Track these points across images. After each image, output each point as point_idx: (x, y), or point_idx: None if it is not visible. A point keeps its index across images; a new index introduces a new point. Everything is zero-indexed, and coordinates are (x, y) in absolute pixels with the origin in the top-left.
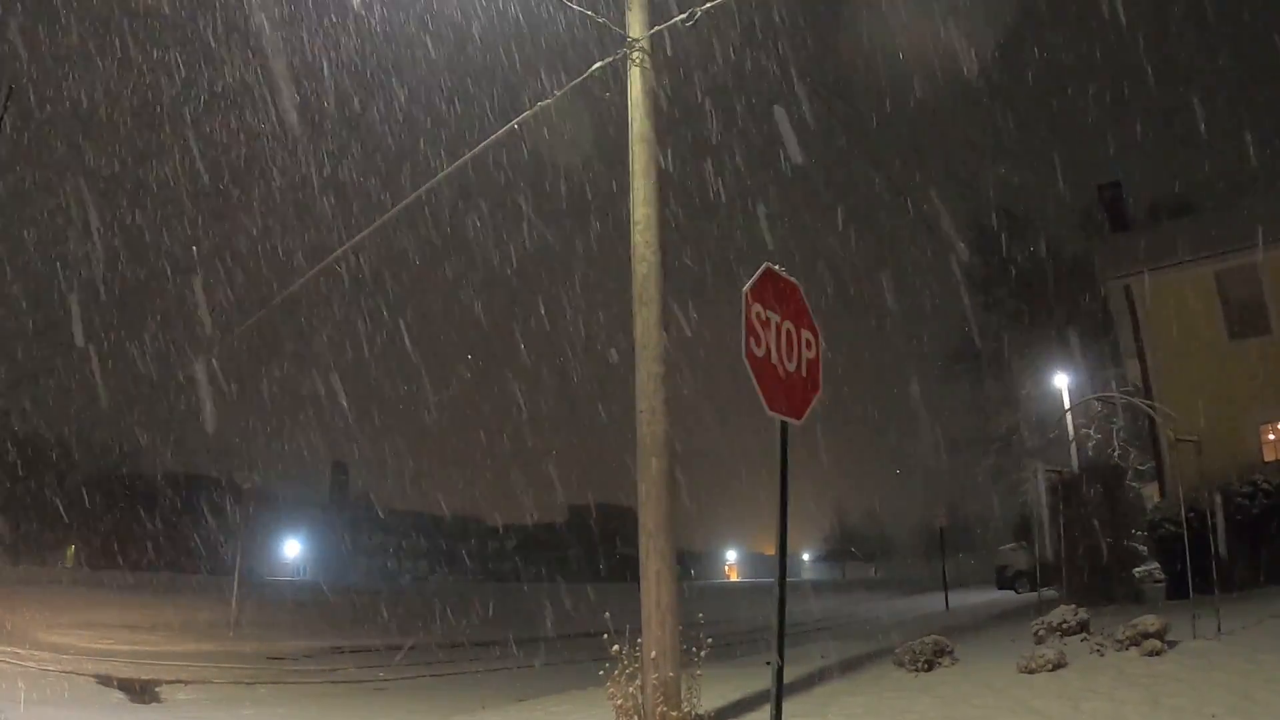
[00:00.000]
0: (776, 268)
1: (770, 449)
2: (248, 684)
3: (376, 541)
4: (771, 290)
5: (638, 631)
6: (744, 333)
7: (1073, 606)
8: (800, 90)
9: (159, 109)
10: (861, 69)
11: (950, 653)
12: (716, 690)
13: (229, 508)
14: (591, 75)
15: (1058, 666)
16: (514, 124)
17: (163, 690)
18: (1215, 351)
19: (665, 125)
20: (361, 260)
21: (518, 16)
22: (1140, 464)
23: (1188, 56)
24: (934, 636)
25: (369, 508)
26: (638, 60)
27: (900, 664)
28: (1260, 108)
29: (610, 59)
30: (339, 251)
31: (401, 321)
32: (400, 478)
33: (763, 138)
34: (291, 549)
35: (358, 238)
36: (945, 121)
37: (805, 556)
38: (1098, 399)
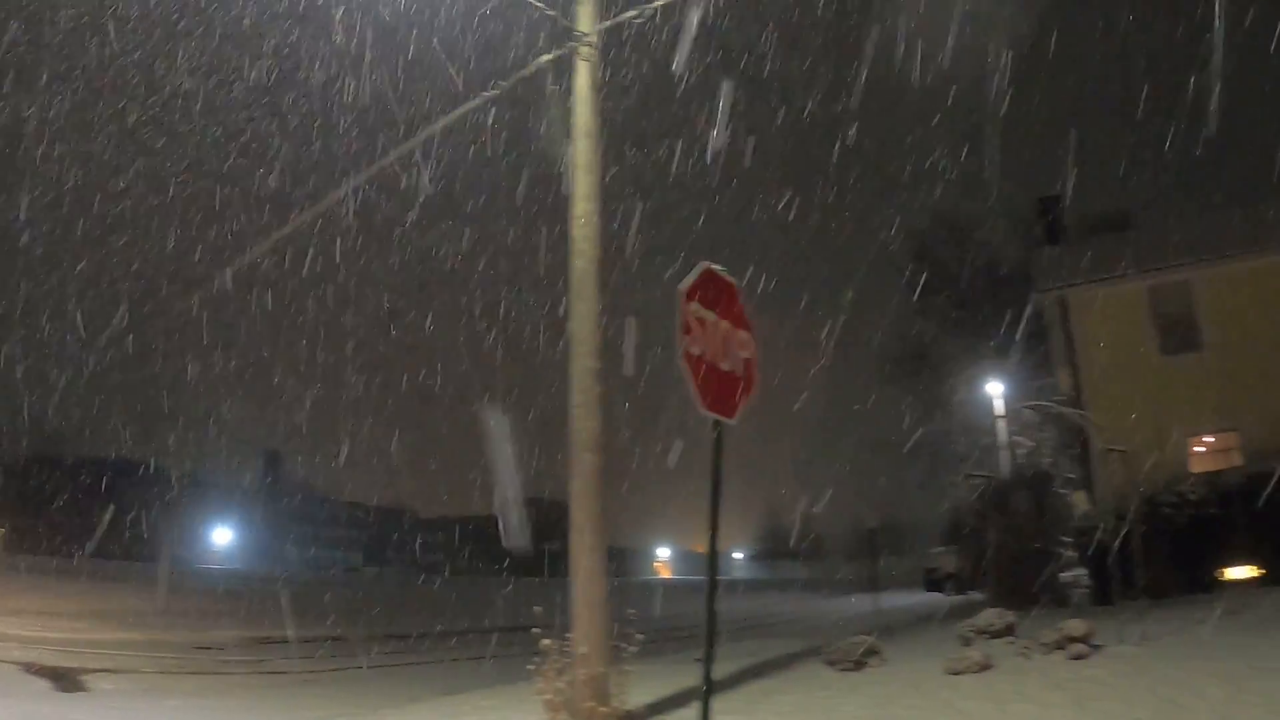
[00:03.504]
0: (715, 267)
1: (703, 447)
2: (175, 674)
3: (308, 531)
4: (709, 289)
5: (568, 626)
6: (679, 331)
7: (1000, 610)
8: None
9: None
10: (816, 69)
11: (879, 653)
12: (646, 686)
13: (158, 494)
14: (538, 68)
15: (984, 668)
16: (455, 116)
17: (88, 679)
18: (1146, 365)
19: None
20: (306, 248)
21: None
22: (1070, 472)
23: (1130, 75)
24: (863, 636)
25: (302, 496)
26: (585, 54)
27: (830, 663)
28: (1196, 130)
29: (557, 52)
30: (272, 241)
31: (338, 310)
32: (334, 467)
33: (705, 136)
34: (222, 537)
35: (286, 229)
36: (890, 127)
37: (736, 555)
38: (1030, 407)
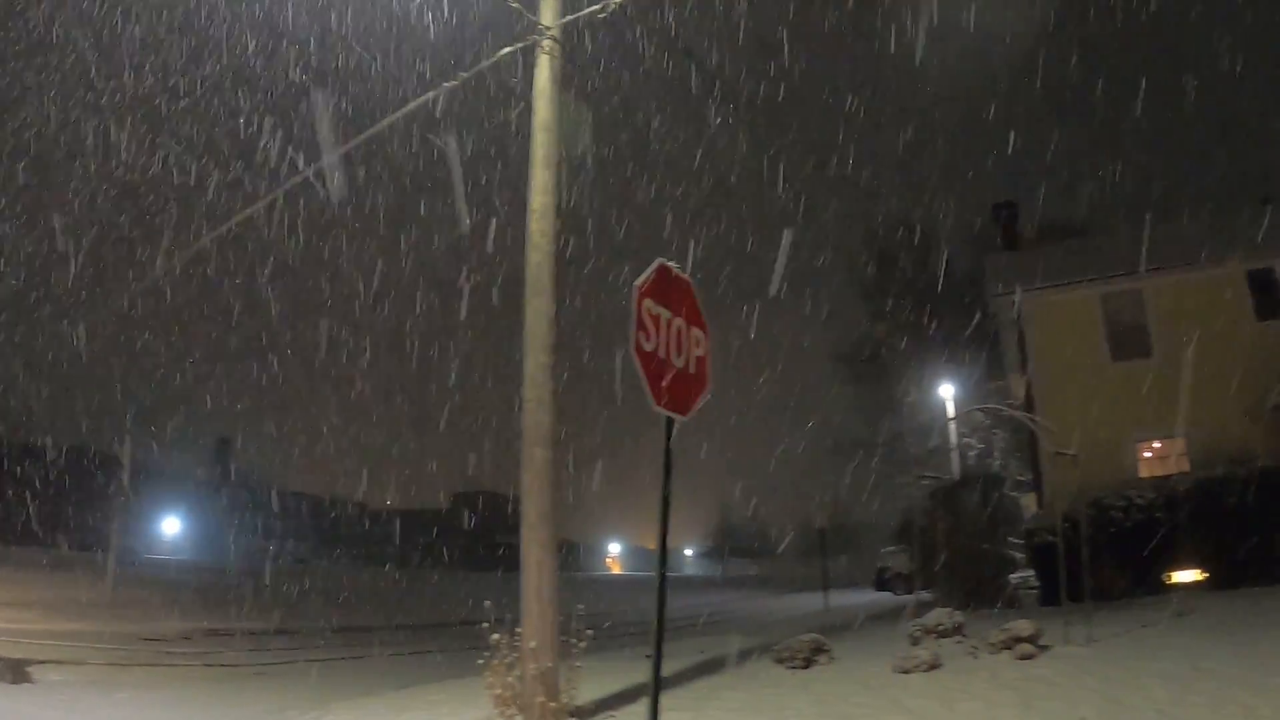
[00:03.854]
0: (670, 264)
1: (656, 443)
2: (123, 665)
3: (258, 521)
4: (664, 286)
5: (518, 621)
6: (633, 327)
7: (948, 609)
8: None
9: None
10: (781, 66)
11: (828, 651)
12: (595, 682)
13: (107, 482)
14: (500, 60)
15: (933, 667)
16: (414, 105)
17: (35, 670)
18: (1097, 370)
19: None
20: (263, 234)
21: None
22: (1020, 475)
23: (1088, 86)
24: (812, 635)
25: (252, 487)
26: (547, 48)
27: (779, 661)
28: (1153, 138)
29: (519, 45)
30: (225, 227)
31: (291, 299)
32: (285, 457)
33: (669, 134)
34: (171, 526)
35: (242, 215)
36: (851, 128)
37: (687, 552)
38: (981, 410)
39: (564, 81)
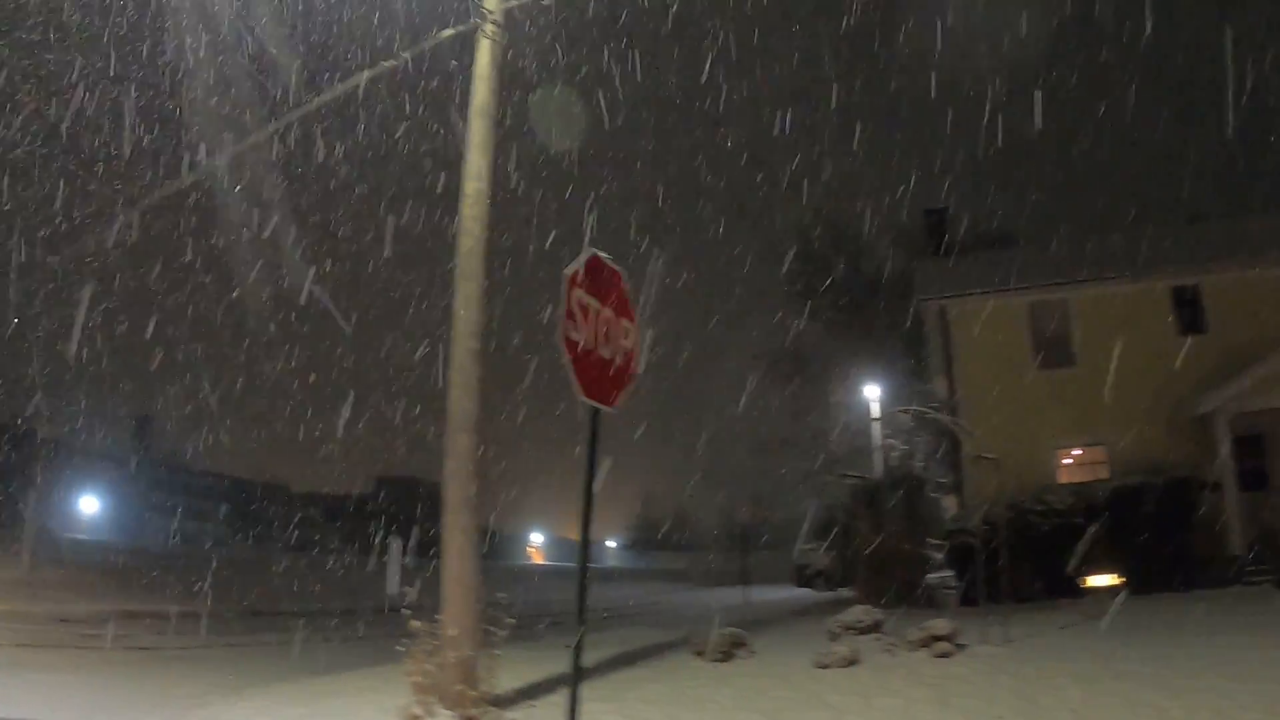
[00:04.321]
0: (602, 254)
1: (581, 434)
2: (35, 647)
3: (178, 502)
4: (594, 276)
5: (439, 608)
6: (562, 316)
7: (867, 607)
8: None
9: None
10: (717, 68)
11: (748, 645)
12: (516, 671)
13: (22, 459)
14: (440, 41)
15: (851, 663)
16: (350, 84)
17: None
18: (1022, 377)
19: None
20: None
21: None
22: (941, 477)
23: (1024, 97)
24: (732, 629)
25: (173, 466)
26: (489, 32)
27: (699, 654)
28: (1089, 155)
29: (460, 27)
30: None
31: (219, 277)
32: (206, 437)
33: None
34: (89, 505)
35: (172, 187)
36: (789, 129)
37: (610, 544)
38: (905, 411)
39: (557, 72)
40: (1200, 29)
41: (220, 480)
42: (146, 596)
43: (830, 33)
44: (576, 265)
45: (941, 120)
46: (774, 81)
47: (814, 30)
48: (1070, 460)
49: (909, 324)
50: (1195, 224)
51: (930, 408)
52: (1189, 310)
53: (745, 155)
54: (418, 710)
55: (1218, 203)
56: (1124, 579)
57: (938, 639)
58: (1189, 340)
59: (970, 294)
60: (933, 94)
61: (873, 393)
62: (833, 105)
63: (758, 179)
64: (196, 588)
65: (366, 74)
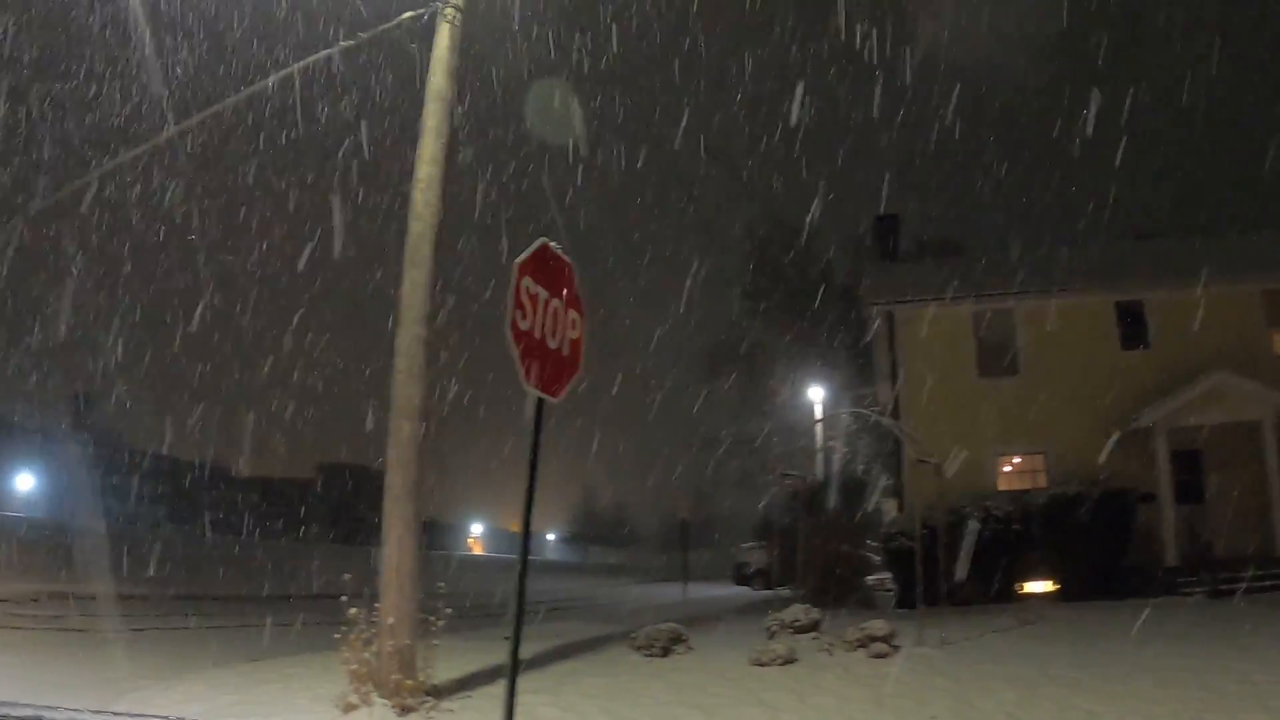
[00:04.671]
0: (552, 244)
1: (524, 425)
2: None
3: (116, 481)
4: (544, 266)
5: (377, 596)
6: (510, 305)
7: (806, 606)
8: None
9: None
10: (677, 65)
11: (686, 641)
12: (453, 661)
13: None
14: (399, 24)
15: (788, 662)
16: (308, 61)
17: None
18: (965, 384)
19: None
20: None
21: None
22: (882, 480)
23: (982, 109)
24: (671, 624)
25: (112, 445)
26: (449, 16)
27: (637, 648)
28: (1043, 170)
29: (420, 10)
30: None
31: (171, 258)
32: (148, 416)
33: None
34: (24, 483)
35: (109, 165)
36: (742, 131)
37: (549, 536)
38: (848, 414)
39: (552, 68)
40: (1161, 52)
41: (161, 461)
42: (81, 577)
43: (791, 37)
44: (527, 254)
45: (895, 128)
46: (731, 83)
47: (773, 34)
48: (1010, 468)
49: (855, 328)
50: (1142, 241)
51: (873, 411)
52: (1132, 325)
53: (700, 153)
54: (354, 699)
55: (1167, 221)
56: (1060, 586)
57: (875, 640)
58: (1131, 355)
59: (917, 300)
60: (889, 102)
61: (817, 394)
62: (788, 109)
63: (711, 175)
64: (133, 569)
65: (323, 53)
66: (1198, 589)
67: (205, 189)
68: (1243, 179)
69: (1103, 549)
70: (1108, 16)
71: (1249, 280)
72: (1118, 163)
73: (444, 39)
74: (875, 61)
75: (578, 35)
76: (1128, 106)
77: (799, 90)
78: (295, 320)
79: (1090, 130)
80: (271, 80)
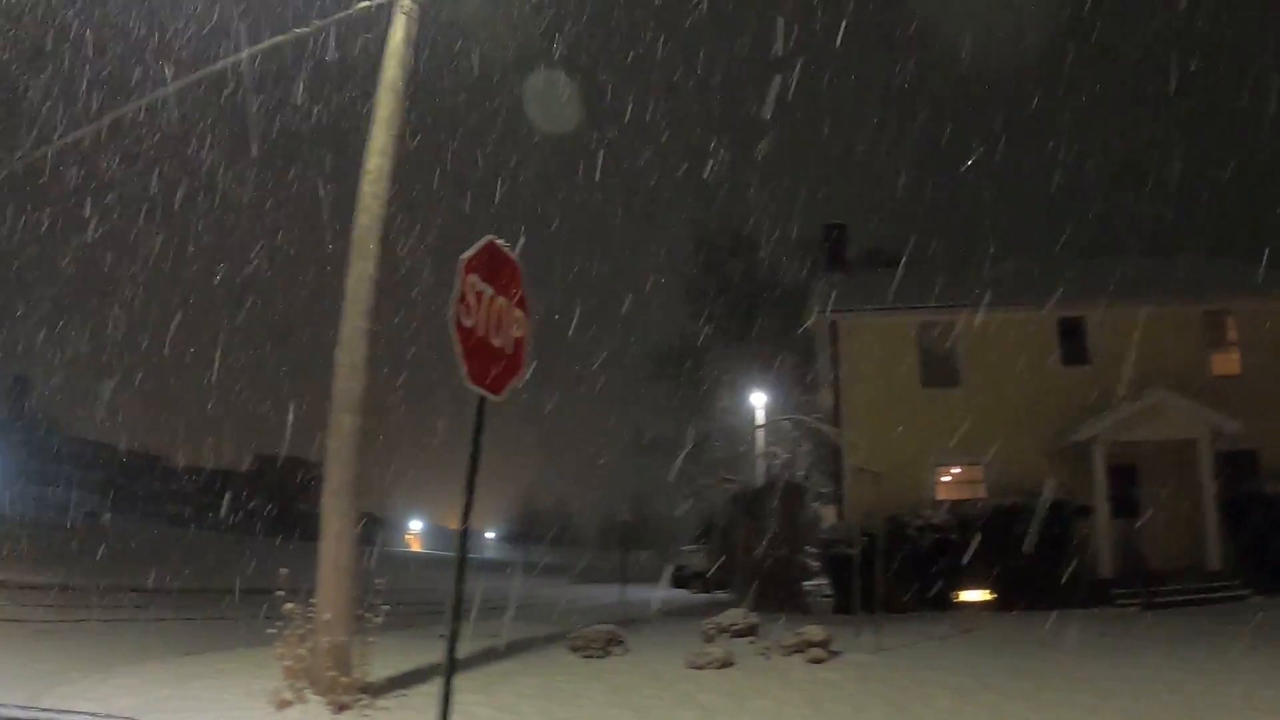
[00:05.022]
0: (500, 242)
1: (466, 422)
2: None
3: (52, 469)
4: (490, 263)
5: (314, 591)
6: (454, 301)
7: (744, 610)
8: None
9: None
10: (633, 68)
11: (623, 643)
12: (389, 659)
13: None
14: (356, 13)
15: (725, 665)
16: (262, 47)
17: None
18: (906, 394)
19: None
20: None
21: None
22: (822, 487)
23: (933, 124)
24: (608, 626)
25: (48, 431)
26: (405, 8)
27: (574, 649)
28: (992, 186)
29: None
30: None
31: (112, 240)
32: (85, 403)
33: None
34: None
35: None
36: (696, 134)
37: (489, 534)
38: (789, 420)
39: (539, 57)
40: (1112, 71)
41: (99, 449)
42: (14, 566)
43: (749, 45)
44: (473, 251)
45: (848, 140)
46: (685, 90)
47: (731, 42)
48: (950, 478)
49: (800, 335)
50: (1087, 260)
51: (814, 418)
52: (1074, 342)
53: (653, 156)
54: (288, 695)
55: (1113, 241)
56: (996, 595)
57: (812, 645)
58: (1072, 370)
59: (862, 310)
60: (841, 113)
61: (759, 400)
62: (742, 117)
63: (662, 180)
64: (66, 559)
65: (278, 39)
66: (1132, 601)
67: (158, 172)
68: (1188, 202)
69: (1040, 560)
70: (1072, 32)
71: (1189, 302)
72: (1061, 182)
73: (399, 31)
74: (830, 74)
75: (523, 30)
76: (1061, 125)
77: (767, 88)
78: (240, 310)
79: (1036, 149)
80: (222, 63)
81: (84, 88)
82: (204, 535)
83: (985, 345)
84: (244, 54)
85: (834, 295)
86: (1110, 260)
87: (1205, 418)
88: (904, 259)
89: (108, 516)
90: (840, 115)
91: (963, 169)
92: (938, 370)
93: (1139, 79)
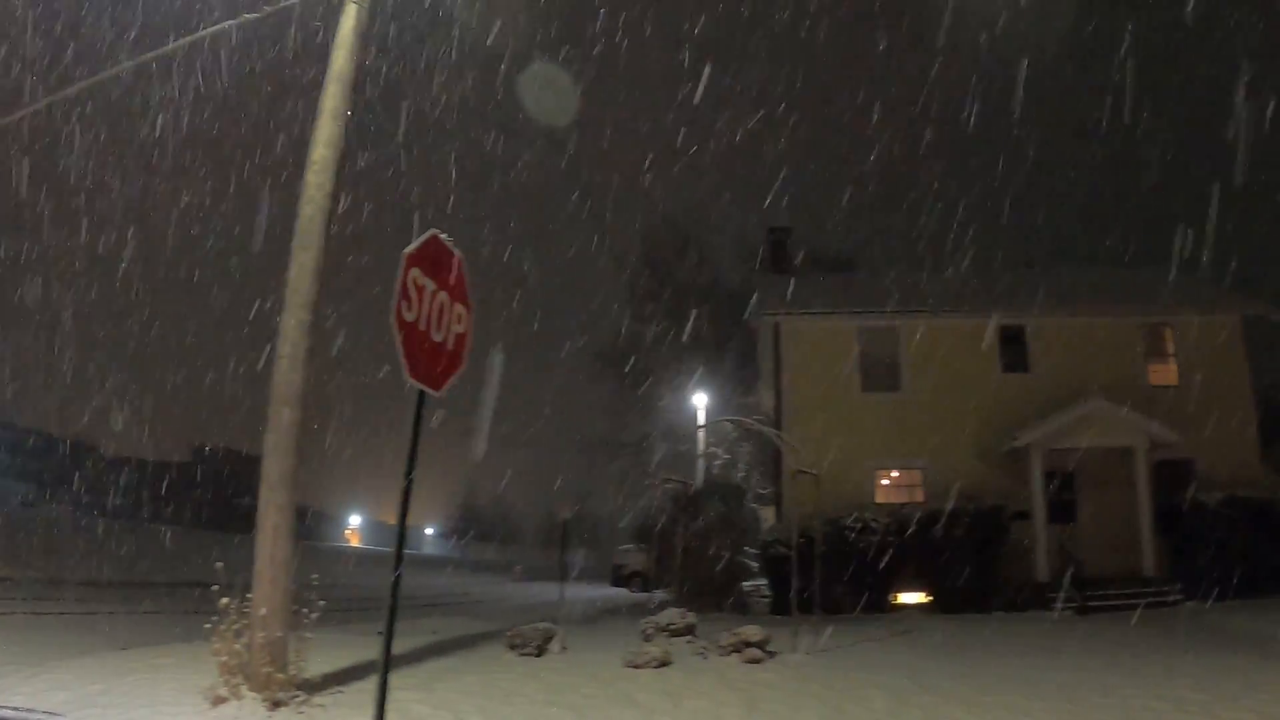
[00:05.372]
0: (443, 236)
1: (406, 416)
2: None
3: None
4: (433, 257)
5: (250, 586)
6: (396, 295)
7: (682, 610)
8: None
9: None
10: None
11: (562, 641)
12: (326, 655)
13: None
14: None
15: (663, 664)
16: (208, 32)
17: None
18: (847, 398)
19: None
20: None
21: None
22: (761, 488)
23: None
24: (546, 624)
25: None
26: None
27: (512, 647)
28: (941, 194)
29: None
30: None
31: (52, 223)
32: (17, 388)
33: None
34: None
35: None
36: (642, 135)
37: (428, 530)
38: (730, 421)
39: (542, 48)
40: (1060, 89)
41: (28, 435)
42: None
43: (699, 45)
44: (416, 244)
45: (796, 142)
46: (632, 90)
47: (679, 42)
48: (889, 481)
49: (742, 336)
50: (1028, 270)
51: (755, 420)
52: (1014, 349)
53: (602, 153)
54: (223, 692)
55: (1056, 252)
56: (933, 598)
57: (749, 645)
58: (1011, 377)
59: (805, 313)
60: (787, 116)
61: (700, 400)
62: (689, 117)
63: (608, 174)
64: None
65: (223, 24)
66: (1067, 604)
67: (98, 153)
68: (1127, 215)
69: (977, 563)
70: (1020, 43)
71: (1129, 313)
72: (1005, 193)
73: (349, 21)
74: (779, 76)
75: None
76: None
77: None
78: (178, 297)
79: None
80: (167, 49)
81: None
82: (139, 527)
83: (926, 351)
84: (183, 42)
85: (777, 297)
86: (1052, 271)
87: (1142, 426)
88: (849, 264)
89: (41, 506)
90: (787, 116)
91: (912, 177)
92: (878, 374)
93: (1085, 94)
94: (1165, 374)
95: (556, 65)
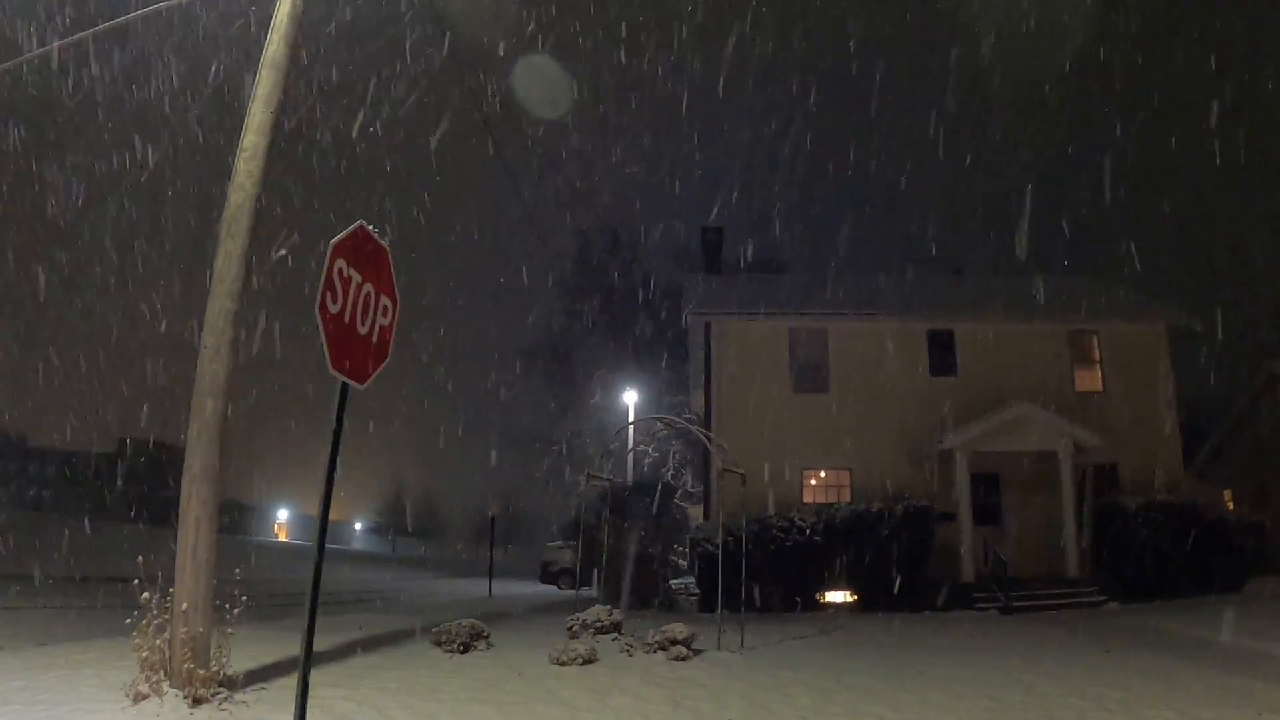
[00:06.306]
0: (370, 228)
1: (330, 409)
2: None
3: None
4: (359, 249)
5: (171, 581)
6: (321, 285)
7: (608, 607)
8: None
9: None
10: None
11: (487, 637)
12: (249, 651)
13: None
14: None
15: (588, 661)
16: (138, 15)
17: None
18: (776, 398)
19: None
20: None
21: None
22: (690, 486)
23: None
24: (471, 620)
25: None
26: None
27: (437, 644)
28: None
29: None
30: None
31: None
32: None
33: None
34: None
35: None
36: (577, 131)
37: (357, 526)
38: (659, 419)
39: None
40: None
41: None
42: None
43: (635, 47)
44: (342, 235)
45: (730, 144)
46: (570, 87)
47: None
48: (816, 481)
49: (674, 335)
50: (957, 276)
51: (685, 418)
52: (942, 353)
53: (536, 148)
54: (144, 688)
55: (985, 259)
56: (860, 597)
57: (675, 643)
58: (939, 381)
59: (736, 313)
60: (722, 118)
61: (631, 398)
62: (625, 114)
63: (543, 169)
64: None
65: (160, 4)
66: (991, 605)
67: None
68: (1060, 224)
69: (903, 563)
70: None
71: (1055, 320)
72: (935, 200)
73: (285, 6)
74: (718, 77)
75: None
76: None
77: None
78: (103, 282)
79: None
80: (100, 27)
81: None
82: (62, 519)
83: (855, 354)
84: (116, 22)
85: (709, 297)
86: (981, 277)
87: (1066, 431)
88: (783, 267)
89: None
90: (727, 121)
91: (845, 181)
92: (808, 376)
93: (1023, 104)
94: (1091, 380)
95: (546, 57)
